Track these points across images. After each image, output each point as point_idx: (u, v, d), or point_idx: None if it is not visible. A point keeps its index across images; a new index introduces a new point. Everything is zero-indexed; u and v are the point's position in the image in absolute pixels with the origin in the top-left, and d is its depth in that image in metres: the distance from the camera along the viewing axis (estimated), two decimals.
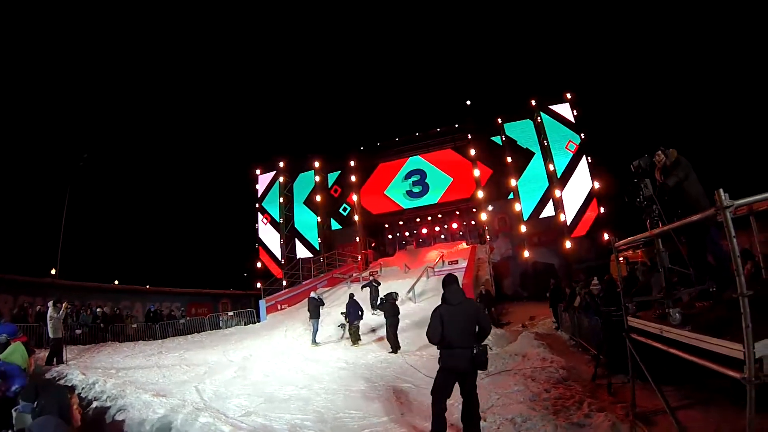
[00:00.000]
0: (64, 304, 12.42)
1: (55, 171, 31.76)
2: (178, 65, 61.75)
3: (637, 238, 5.64)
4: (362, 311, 14.29)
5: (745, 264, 6.54)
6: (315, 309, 14.63)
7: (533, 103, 29.34)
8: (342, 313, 14.55)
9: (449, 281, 5.52)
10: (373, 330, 15.14)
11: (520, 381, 7.67)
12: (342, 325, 14.79)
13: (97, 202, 41.44)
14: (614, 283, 9.49)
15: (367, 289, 17.12)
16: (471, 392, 5.20)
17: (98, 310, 18.37)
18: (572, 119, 28.63)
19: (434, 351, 11.64)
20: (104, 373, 10.01)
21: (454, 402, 5.52)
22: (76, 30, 45.35)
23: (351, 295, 15.12)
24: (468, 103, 33.46)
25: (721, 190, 3.52)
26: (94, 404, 7.28)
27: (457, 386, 5.24)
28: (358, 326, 14.08)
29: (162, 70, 58.05)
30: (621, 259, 17.48)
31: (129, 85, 53.70)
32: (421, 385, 8.63)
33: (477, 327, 5.24)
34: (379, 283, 17.40)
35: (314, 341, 14.19)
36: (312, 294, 16.08)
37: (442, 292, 5.48)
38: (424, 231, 35.05)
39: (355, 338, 13.82)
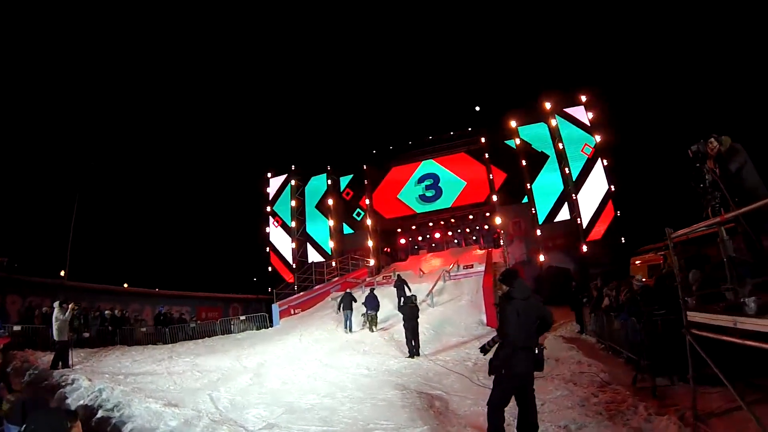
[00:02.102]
0: (70, 306, 11.85)
1: (66, 172, 31.49)
2: (191, 70, 61.84)
3: (698, 226, 5.26)
4: (378, 303, 16.09)
5: None
6: (349, 302, 16.49)
7: (547, 106, 28.88)
8: (363, 304, 16.23)
9: (513, 275, 5.06)
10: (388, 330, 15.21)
11: (561, 385, 7.22)
12: (364, 315, 16.29)
13: (108, 205, 41.20)
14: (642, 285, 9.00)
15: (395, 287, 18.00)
16: (530, 398, 4.74)
17: (107, 312, 17.91)
18: (587, 122, 28.17)
19: (458, 354, 11.47)
20: (112, 378, 9.58)
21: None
22: (94, 36, 45.50)
23: (372, 289, 17.02)
24: (477, 108, 33.21)
25: None
26: (100, 413, 6.81)
27: None
28: (375, 315, 16.02)
29: (175, 75, 58.23)
30: (638, 262, 17.31)
31: (142, 89, 53.69)
32: (452, 391, 8.25)
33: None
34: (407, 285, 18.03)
35: (350, 329, 16.02)
36: (347, 290, 18.16)
37: (507, 288, 5.01)
38: (437, 235, 34.78)
39: (372, 324, 15.86)
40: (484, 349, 5.17)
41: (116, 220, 43.27)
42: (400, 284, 17.86)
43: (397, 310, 14.76)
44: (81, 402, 7.22)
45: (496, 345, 5.00)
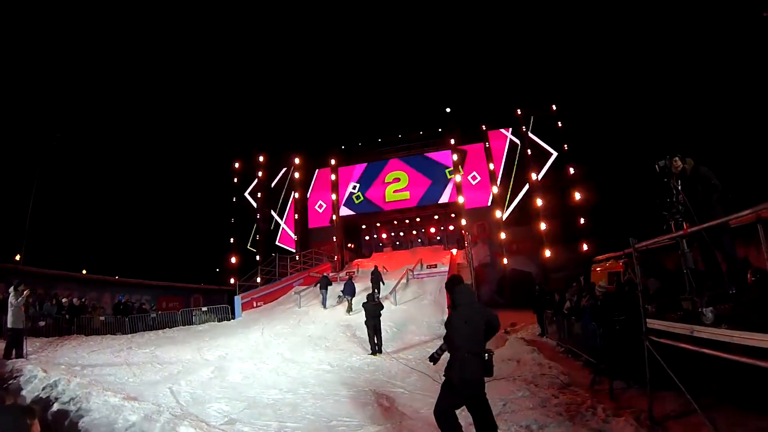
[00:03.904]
0: (25, 291, 11.01)
1: (25, 150, 30.00)
2: (163, 55, 59.91)
3: (661, 238, 5.51)
4: (354, 290, 18.11)
5: (746, 272, 6.62)
6: (325, 283, 19.44)
7: (518, 112, 29.49)
8: (341, 291, 18.49)
9: (456, 281, 4.95)
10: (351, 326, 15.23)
11: (522, 387, 7.35)
12: (340, 297, 18.76)
13: (68, 187, 39.53)
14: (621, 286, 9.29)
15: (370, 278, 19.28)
16: (484, 402, 4.62)
17: (64, 300, 17.20)
18: (557, 130, 28.82)
19: (420, 353, 11.57)
20: (68, 370, 9.16)
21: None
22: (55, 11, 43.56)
23: (350, 277, 19.56)
24: (448, 110, 33.43)
25: None
26: (56, 407, 6.53)
27: None
28: (351, 299, 17.74)
29: (146, 58, 56.31)
30: (599, 269, 17.78)
31: (110, 69, 51.59)
32: (414, 389, 8.30)
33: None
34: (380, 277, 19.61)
35: (324, 305, 18.91)
36: (324, 274, 21.82)
37: (451, 294, 4.92)
38: (402, 234, 35.00)
39: (349, 308, 17.56)
40: (433, 358, 5.01)
41: (76, 203, 41.58)
42: (376, 278, 18.73)
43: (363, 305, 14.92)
44: (35, 395, 6.94)
45: (445, 353, 4.92)
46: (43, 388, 7.14)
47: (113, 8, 50.68)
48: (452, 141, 31.22)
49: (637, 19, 38.77)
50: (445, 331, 4.81)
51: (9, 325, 10.70)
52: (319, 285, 19.62)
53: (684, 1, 33.42)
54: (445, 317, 16.18)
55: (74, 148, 37.19)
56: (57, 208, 36.81)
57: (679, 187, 5.49)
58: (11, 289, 10.99)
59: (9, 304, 10.77)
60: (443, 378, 4.76)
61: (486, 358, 4.61)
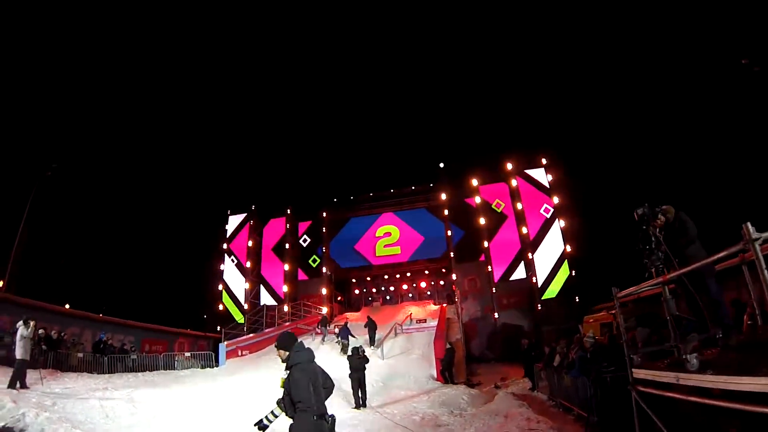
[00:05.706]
0: (32, 323, 11.49)
1: (17, 176, 29.38)
2: (161, 99, 60.97)
3: (642, 286, 5.46)
4: (349, 334, 19.61)
5: (741, 315, 6.54)
6: (325, 322, 23.55)
7: (509, 167, 29.96)
8: (337, 335, 20.22)
9: (293, 338, 4.65)
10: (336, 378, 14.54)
11: None
12: (337, 342, 19.76)
13: (60, 219, 39.04)
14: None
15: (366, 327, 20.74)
16: None
17: (41, 331, 16.03)
18: (547, 184, 29.18)
19: (406, 408, 11.26)
20: (38, 404, 8.81)
21: None
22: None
23: (345, 323, 21.23)
24: (441, 165, 33.89)
25: (748, 224, 3.44)
26: None
27: None
28: (347, 343, 18.78)
29: (145, 100, 57.30)
30: (591, 320, 17.62)
31: (106, 104, 52.37)
32: None
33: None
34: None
35: (323, 341, 21.48)
36: (323, 315, 25.60)
37: (288, 351, 4.43)
38: (392, 288, 34.81)
39: (344, 349, 18.40)
40: (263, 426, 4.48)
41: (66, 236, 41.09)
42: (373, 327, 20.29)
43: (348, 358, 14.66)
44: (1, 424, 6.65)
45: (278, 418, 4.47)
46: (11, 418, 6.86)
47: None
48: (443, 196, 31.43)
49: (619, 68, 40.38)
50: (291, 391, 4.18)
51: (18, 357, 11.01)
52: (319, 324, 23.37)
53: (670, 50, 34.94)
54: (433, 372, 16.11)
55: (69, 181, 36.88)
56: (46, 239, 36.28)
57: (660, 235, 5.47)
58: (21, 323, 11.37)
59: (19, 337, 11.11)
60: None
61: (329, 422, 4.25)
